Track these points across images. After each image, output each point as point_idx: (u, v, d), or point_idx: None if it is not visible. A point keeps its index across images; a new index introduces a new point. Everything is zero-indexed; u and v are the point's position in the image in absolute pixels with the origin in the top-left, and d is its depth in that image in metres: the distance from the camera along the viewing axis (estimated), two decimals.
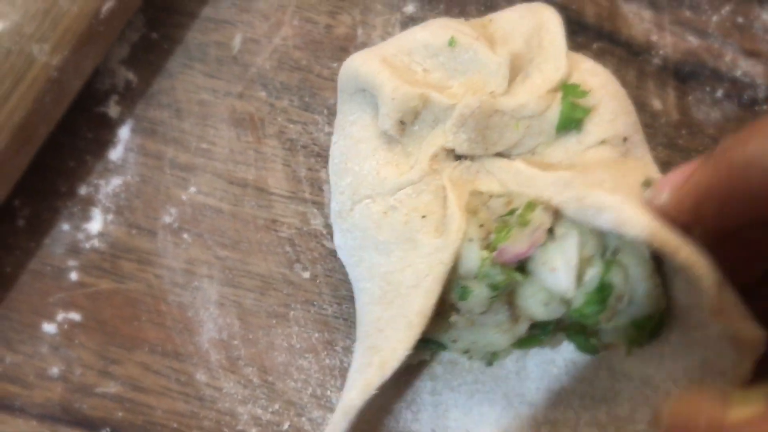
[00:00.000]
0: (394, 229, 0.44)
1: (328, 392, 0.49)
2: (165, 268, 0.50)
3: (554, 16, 0.46)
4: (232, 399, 0.49)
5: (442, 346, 0.45)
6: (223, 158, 0.52)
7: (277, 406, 0.49)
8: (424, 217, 0.43)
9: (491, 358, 0.46)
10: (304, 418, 0.49)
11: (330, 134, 0.51)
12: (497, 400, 0.47)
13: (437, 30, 0.46)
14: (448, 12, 0.53)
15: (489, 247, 0.42)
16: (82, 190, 0.51)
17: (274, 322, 0.49)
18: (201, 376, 0.49)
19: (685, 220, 0.37)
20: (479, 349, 0.45)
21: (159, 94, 0.53)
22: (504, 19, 0.47)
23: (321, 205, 0.51)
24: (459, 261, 0.42)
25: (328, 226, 0.50)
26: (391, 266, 0.43)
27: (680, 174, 0.38)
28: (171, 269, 0.50)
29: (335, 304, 0.49)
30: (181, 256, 0.50)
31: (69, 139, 0.52)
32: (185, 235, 0.51)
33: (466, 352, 0.45)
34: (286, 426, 0.49)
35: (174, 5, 0.54)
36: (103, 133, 0.52)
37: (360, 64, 0.45)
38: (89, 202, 0.51)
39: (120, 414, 0.49)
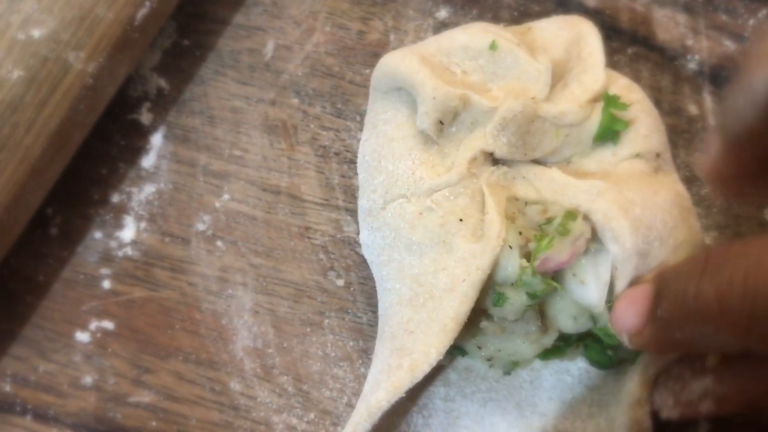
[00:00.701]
0: (429, 231, 0.43)
1: None
2: (198, 275, 0.50)
3: (593, 30, 0.47)
4: (267, 408, 0.48)
5: (463, 352, 0.45)
6: (256, 165, 0.51)
7: (312, 416, 0.48)
8: (461, 220, 0.43)
9: (512, 367, 0.46)
10: (339, 428, 0.48)
11: None
12: (509, 409, 0.46)
13: (478, 33, 0.45)
14: (481, 17, 0.53)
15: (528, 254, 0.42)
16: (115, 198, 0.51)
17: (308, 330, 0.49)
18: (235, 385, 0.48)
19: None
20: (503, 358, 0.44)
21: (191, 101, 0.53)
22: (543, 28, 0.47)
23: (354, 212, 0.50)
24: (496, 267, 0.42)
25: None
26: (424, 268, 0.43)
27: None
28: (205, 277, 0.50)
29: (370, 312, 0.49)
30: (214, 263, 0.50)
31: (101, 146, 0.52)
32: (219, 243, 0.50)
33: (488, 359, 0.45)
34: None
35: (205, 12, 0.54)
36: (135, 140, 0.52)
37: (398, 62, 0.45)
38: (122, 209, 0.51)
39: (154, 423, 0.48)
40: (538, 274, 0.41)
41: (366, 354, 0.48)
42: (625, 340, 0.39)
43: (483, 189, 0.43)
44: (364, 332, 0.49)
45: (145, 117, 0.52)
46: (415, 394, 0.46)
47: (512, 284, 0.42)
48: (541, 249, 0.41)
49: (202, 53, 0.53)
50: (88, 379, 0.49)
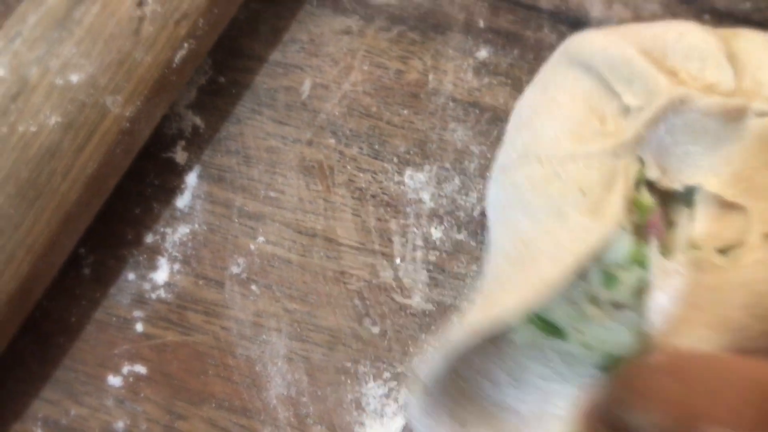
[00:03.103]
0: (550, 197, 0.41)
1: None
2: (232, 320, 0.49)
3: None
4: None
5: (562, 335, 0.43)
6: (292, 207, 0.51)
7: None
8: (584, 194, 0.41)
9: (610, 361, 0.43)
10: None
11: (400, 183, 0.50)
12: None
13: (701, 34, 0.43)
14: (523, 58, 0.52)
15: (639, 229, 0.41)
16: (149, 239, 0.51)
17: (342, 378, 0.48)
18: None
19: None
20: (603, 348, 0.43)
21: (227, 140, 0.52)
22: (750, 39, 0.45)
23: (390, 257, 0.49)
24: (606, 248, 0.40)
25: (398, 279, 0.49)
26: (534, 232, 0.41)
27: None
28: (239, 321, 0.49)
29: (406, 361, 0.48)
30: (249, 307, 0.49)
31: (135, 185, 0.51)
32: (253, 287, 0.50)
33: (588, 347, 0.43)
34: None
35: (242, 49, 0.53)
36: (169, 179, 0.51)
37: (620, 49, 0.42)
38: (155, 250, 0.50)
39: None
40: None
41: (400, 407, 0.48)
42: None
43: (619, 169, 0.41)
44: (400, 382, 0.48)
45: (180, 156, 0.52)
46: (508, 363, 0.45)
47: (621, 266, 0.40)
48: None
49: (238, 91, 0.52)
50: (119, 424, 0.48)
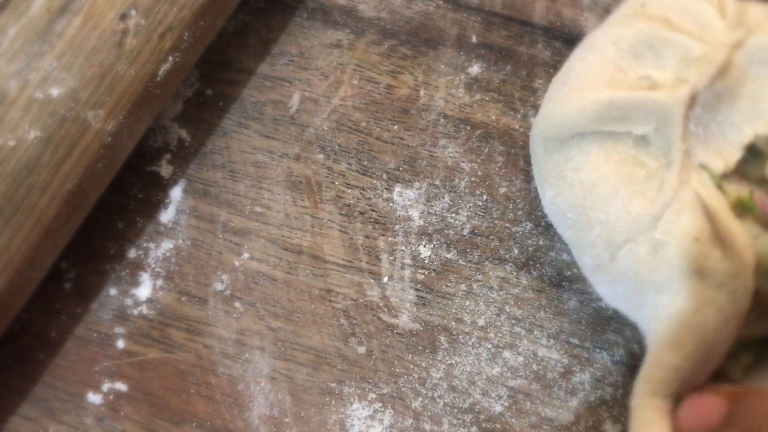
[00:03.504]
0: (673, 265, 0.40)
1: None
2: (215, 338, 0.48)
3: None
4: None
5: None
6: (278, 223, 0.50)
7: None
8: (697, 239, 0.39)
9: None
10: None
11: (389, 200, 0.49)
12: None
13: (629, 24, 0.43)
14: (515, 74, 0.51)
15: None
16: (131, 253, 0.50)
17: (327, 399, 0.47)
18: None
19: None
20: None
21: (212, 154, 0.51)
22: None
23: (378, 276, 0.48)
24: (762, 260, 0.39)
25: (385, 298, 0.48)
26: (683, 304, 0.40)
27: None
28: (221, 339, 0.48)
29: (392, 382, 0.47)
30: (232, 325, 0.48)
31: (118, 198, 0.50)
32: (237, 304, 0.49)
33: None
34: None
35: (230, 61, 0.52)
36: (154, 193, 0.50)
37: (588, 100, 0.42)
38: (138, 266, 0.49)
39: None
40: None
41: (385, 428, 0.47)
42: None
43: (700, 193, 0.40)
44: (385, 403, 0.47)
45: (165, 169, 0.51)
46: None
47: None
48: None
49: (225, 104, 0.51)
50: None
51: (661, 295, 0.40)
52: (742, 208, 0.41)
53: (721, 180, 0.41)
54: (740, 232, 0.39)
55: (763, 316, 0.40)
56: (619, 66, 0.43)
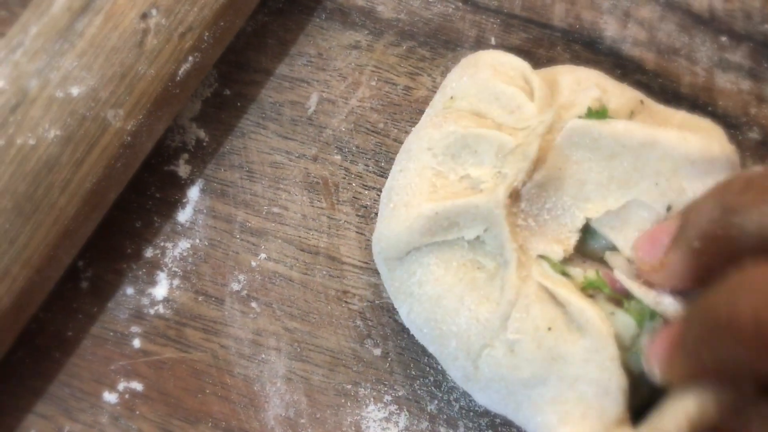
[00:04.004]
0: (532, 359, 0.40)
1: None
2: (232, 338, 0.48)
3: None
4: None
5: None
6: (295, 224, 0.50)
7: None
8: (549, 329, 0.40)
9: None
10: None
11: None
12: None
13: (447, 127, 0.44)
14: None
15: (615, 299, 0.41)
16: (148, 253, 0.50)
17: (342, 401, 0.47)
18: None
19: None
20: None
21: (230, 154, 0.51)
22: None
23: None
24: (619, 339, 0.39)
25: None
26: (556, 391, 0.40)
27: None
28: (238, 339, 0.48)
29: (407, 385, 0.47)
30: (248, 326, 0.48)
31: (136, 198, 0.50)
32: (253, 304, 0.49)
33: None
34: None
35: (248, 61, 0.52)
36: (171, 192, 0.51)
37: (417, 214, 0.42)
38: (155, 265, 0.49)
39: None
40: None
41: (401, 431, 0.46)
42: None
43: (543, 284, 0.40)
44: (401, 405, 0.47)
45: (183, 169, 0.51)
46: None
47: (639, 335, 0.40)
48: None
49: (243, 104, 0.51)
50: None
51: (531, 389, 0.40)
52: (593, 289, 0.41)
53: (565, 265, 0.41)
54: (592, 308, 0.39)
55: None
56: (438, 172, 0.43)
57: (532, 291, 0.40)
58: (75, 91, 0.42)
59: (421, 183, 0.42)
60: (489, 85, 0.44)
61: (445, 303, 0.41)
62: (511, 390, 0.41)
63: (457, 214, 0.41)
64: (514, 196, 0.41)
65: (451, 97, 0.45)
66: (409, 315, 0.43)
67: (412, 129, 0.46)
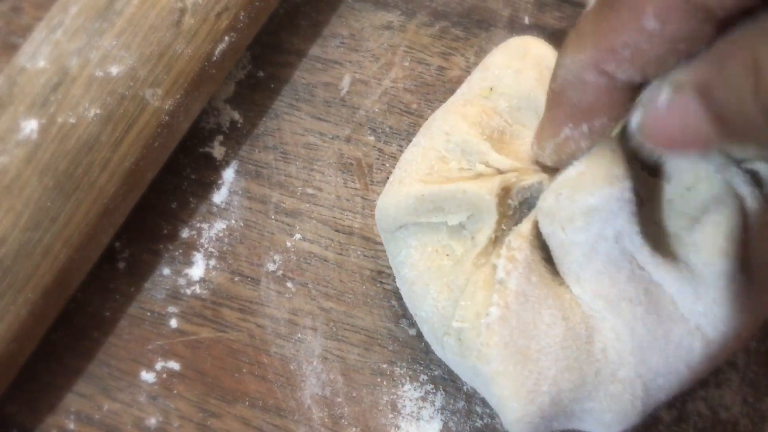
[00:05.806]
0: (474, 347, 0.39)
1: None
2: (268, 317, 0.48)
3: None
4: None
5: None
6: (330, 204, 0.50)
7: None
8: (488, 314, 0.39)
9: None
10: None
11: None
12: None
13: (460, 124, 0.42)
14: None
15: None
16: (185, 233, 0.50)
17: (378, 380, 0.47)
18: None
19: None
20: None
21: (264, 136, 0.51)
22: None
23: None
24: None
25: None
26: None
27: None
28: (274, 319, 0.48)
29: (443, 364, 0.47)
30: (284, 305, 0.48)
31: (172, 179, 0.51)
32: (289, 284, 0.49)
33: None
34: None
35: (281, 43, 0.52)
36: (207, 174, 0.51)
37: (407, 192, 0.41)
38: (191, 246, 0.50)
39: None
40: None
41: (437, 410, 0.46)
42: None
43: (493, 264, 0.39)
44: (437, 385, 0.47)
45: (218, 151, 0.51)
46: None
47: None
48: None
49: (276, 86, 0.52)
50: (152, 421, 0.48)
51: (479, 377, 0.39)
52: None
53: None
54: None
55: None
56: (442, 156, 0.42)
57: (481, 278, 0.39)
58: (114, 70, 0.42)
59: (421, 163, 0.42)
60: (532, 95, 0.42)
61: (415, 289, 0.41)
62: (469, 377, 0.41)
63: (443, 199, 0.40)
64: (506, 190, 0.40)
65: (491, 89, 0.43)
66: (401, 290, 0.43)
67: (448, 101, 0.45)
